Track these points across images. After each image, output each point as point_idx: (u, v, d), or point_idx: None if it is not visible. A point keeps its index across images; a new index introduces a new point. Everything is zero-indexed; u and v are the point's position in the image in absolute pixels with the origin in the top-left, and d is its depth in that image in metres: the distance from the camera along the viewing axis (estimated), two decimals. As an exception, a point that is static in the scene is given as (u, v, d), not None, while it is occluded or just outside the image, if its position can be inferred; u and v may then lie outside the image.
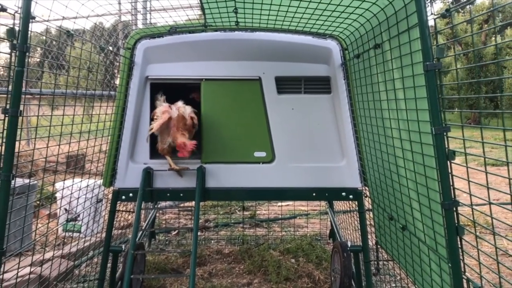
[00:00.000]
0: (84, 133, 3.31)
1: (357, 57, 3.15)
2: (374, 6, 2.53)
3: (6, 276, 3.33)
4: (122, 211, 4.39)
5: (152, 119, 3.48)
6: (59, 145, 2.92)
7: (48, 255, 4.27)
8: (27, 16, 2.02)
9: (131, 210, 4.99)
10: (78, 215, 5.34)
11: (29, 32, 1.96)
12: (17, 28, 2.00)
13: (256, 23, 3.38)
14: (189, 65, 3.63)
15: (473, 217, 1.96)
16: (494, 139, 14.14)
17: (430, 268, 2.28)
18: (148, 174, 3.51)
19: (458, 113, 5.35)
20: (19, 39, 1.96)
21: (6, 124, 1.92)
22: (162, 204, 6.48)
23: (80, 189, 4.37)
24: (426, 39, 1.92)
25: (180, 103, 3.51)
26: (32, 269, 3.59)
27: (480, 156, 1.77)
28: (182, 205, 6.82)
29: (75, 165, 6.24)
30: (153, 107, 3.62)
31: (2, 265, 1.97)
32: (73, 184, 4.25)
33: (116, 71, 4.77)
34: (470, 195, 1.91)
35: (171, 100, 3.58)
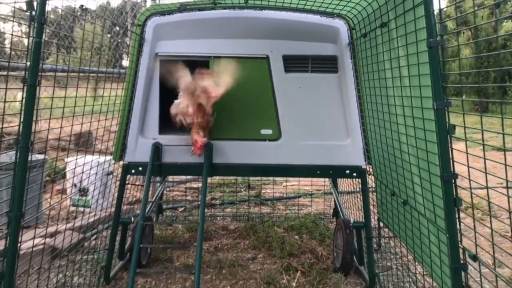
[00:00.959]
0: (94, 112, 3.39)
1: (364, 36, 3.20)
2: (381, -15, 2.58)
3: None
4: (131, 184, 4.51)
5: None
6: (71, 124, 3.01)
7: (59, 227, 4.41)
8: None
9: (141, 184, 5.11)
10: (88, 190, 5.48)
11: (47, 3, 2.04)
12: (35, 3, 2.08)
13: (265, 1, 3.43)
14: (198, 43, 3.69)
15: (471, 200, 2.03)
16: (500, 125, 14.08)
17: (429, 240, 2.37)
18: (157, 149, 3.60)
19: (465, 100, 5.39)
20: (37, 11, 2.04)
21: (25, 94, 2.01)
22: (169, 182, 6.60)
23: (88, 164, 4.48)
24: (430, 17, 1.98)
25: (206, 81, 3.46)
26: (43, 241, 3.72)
27: (479, 143, 1.84)
28: (188, 184, 6.94)
29: (85, 143, 6.36)
30: (162, 83, 3.70)
31: (21, 230, 2.08)
32: (84, 162, 4.35)
33: (125, 50, 4.83)
34: (469, 180, 1.98)
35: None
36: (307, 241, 4.60)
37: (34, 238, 2.93)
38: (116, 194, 4.06)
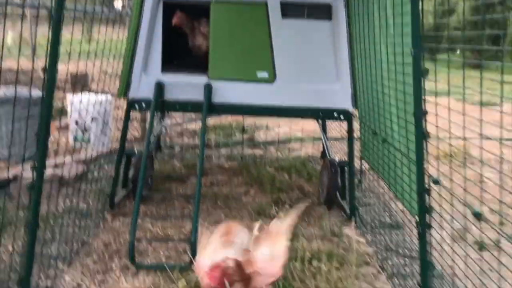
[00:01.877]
0: (90, 54, 3.56)
1: (357, -14, 3.41)
2: None
3: (26, 175, 3.76)
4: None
5: None
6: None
7: (62, 159, 4.69)
8: None
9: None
10: (88, 127, 5.75)
11: None
12: None
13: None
14: None
15: (450, 151, 2.32)
16: (491, 81, 14.35)
17: (402, 171, 2.71)
18: (159, 86, 3.85)
19: (461, 56, 5.62)
20: None
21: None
22: (167, 123, 6.89)
23: (88, 102, 4.74)
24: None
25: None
26: (49, 171, 4.02)
27: (460, 98, 2.12)
28: (185, 126, 7.24)
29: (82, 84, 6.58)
30: (165, 26, 3.91)
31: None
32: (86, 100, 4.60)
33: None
34: (450, 132, 2.25)
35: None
36: (296, 179, 4.98)
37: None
38: (116, 133, 4.36)
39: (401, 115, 2.63)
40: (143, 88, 3.90)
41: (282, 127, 7.31)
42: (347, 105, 3.91)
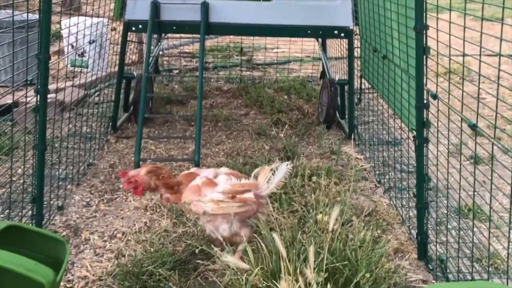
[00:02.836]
0: None
1: None
2: None
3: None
4: (131, 41, 4.71)
5: None
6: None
7: (61, 85, 4.68)
8: None
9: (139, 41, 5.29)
10: (85, 51, 5.66)
11: None
12: None
13: None
14: None
15: (449, 67, 2.29)
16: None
17: (401, 87, 2.73)
18: (155, 7, 3.75)
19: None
20: None
21: None
22: (164, 45, 6.77)
23: (83, 24, 4.62)
24: None
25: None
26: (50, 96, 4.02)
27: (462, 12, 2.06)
28: (182, 48, 7.13)
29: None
30: None
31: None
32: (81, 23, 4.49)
33: None
34: (450, 47, 2.21)
35: None
36: (295, 100, 5.01)
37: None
38: (113, 56, 4.30)
39: (402, 30, 2.60)
40: (139, 9, 3.81)
41: (280, 48, 7.22)
42: (348, 22, 3.84)
